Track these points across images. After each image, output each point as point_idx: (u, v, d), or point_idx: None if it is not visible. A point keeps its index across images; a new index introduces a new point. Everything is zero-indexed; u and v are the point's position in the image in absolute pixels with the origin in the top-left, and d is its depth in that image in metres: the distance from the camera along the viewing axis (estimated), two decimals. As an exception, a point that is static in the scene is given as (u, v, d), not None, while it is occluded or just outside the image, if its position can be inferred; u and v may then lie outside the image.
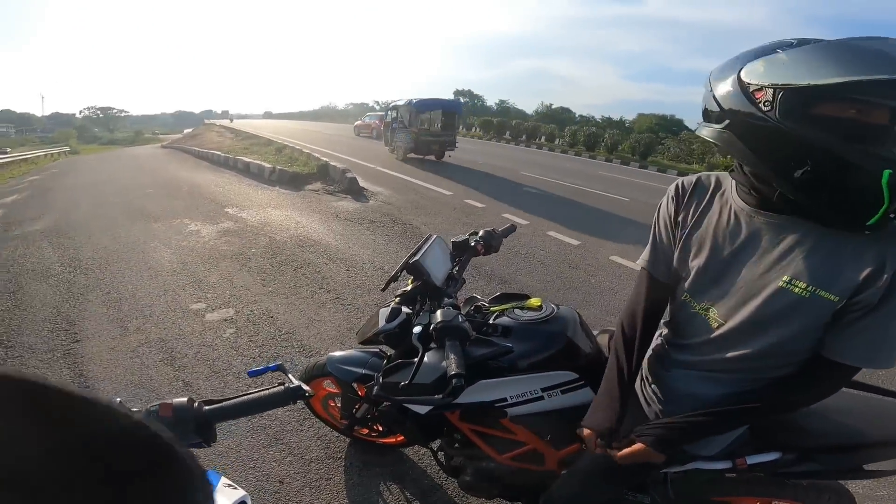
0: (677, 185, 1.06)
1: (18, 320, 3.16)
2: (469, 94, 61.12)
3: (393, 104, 12.83)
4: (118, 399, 0.65)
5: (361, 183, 7.77)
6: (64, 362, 2.65)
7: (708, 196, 1.01)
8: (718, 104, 0.87)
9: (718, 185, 1.00)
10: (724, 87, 0.86)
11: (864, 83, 0.73)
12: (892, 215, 0.76)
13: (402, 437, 1.91)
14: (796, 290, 0.86)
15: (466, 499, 1.82)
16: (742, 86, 0.83)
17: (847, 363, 0.86)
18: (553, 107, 52.94)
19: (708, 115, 0.90)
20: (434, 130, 12.03)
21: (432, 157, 11.89)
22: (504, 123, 29.43)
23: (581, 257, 4.89)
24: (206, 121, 30.54)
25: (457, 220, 6.05)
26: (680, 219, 1.04)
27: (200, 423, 0.72)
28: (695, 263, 0.99)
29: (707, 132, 0.90)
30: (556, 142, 25.24)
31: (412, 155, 11.70)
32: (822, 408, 1.17)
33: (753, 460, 1.14)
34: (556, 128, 27.73)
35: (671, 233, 1.06)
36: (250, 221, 5.72)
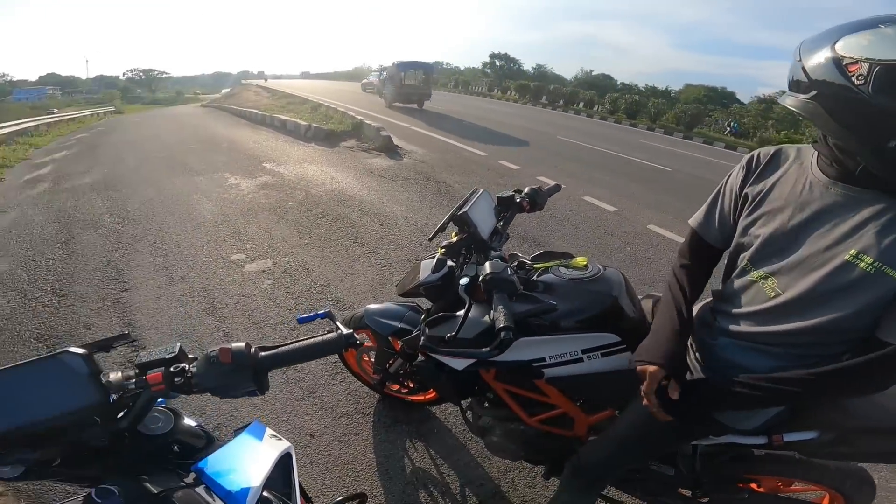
0: (752, 156, 1.06)
1: (71, 269, 3.30)
2: (505, 57, 58.92)
3: (383, 66, 17.47)
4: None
5: (395, 141, 7.73)
6: (114, 311, 2.76)
7: (785, 166, 1.00)
8: (807, 75, 0.85)
9: (798, 156, 1.00)
10: (816, 59, 0.84)
11: None
12: None
13: (431, 395, 1.93)
14: (862, 264, 0.84)
15: (490, 459, 1.84)
16: (835, 58, 0.82)
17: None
18: (593, 73, 50.44)
19: (795, 86, 0.89)
20: (414, 85, 15.25)
21: (415, 105, 15.30)
22: (541, 88, 28.39)
23: (617, 224, 4.75)
24: (243, 81, 30.81)
25: (491, 181, 5.97)
26: (747, 189, 1.03)
27: (256, 370, 0.72)
28: (761, 231, 0.98)
29: (792, 101, 0.89)
30: (596, 108, 24.22)
31: (397, 104, 15.10)
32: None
33: (790, 438, 1.12)
34: (596, 94, 26.56)
35: (734, 202, 1.05)
36: (287, 176, 5.82)
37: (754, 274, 0.99)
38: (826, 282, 0.88)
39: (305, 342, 0.78)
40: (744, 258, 1.02)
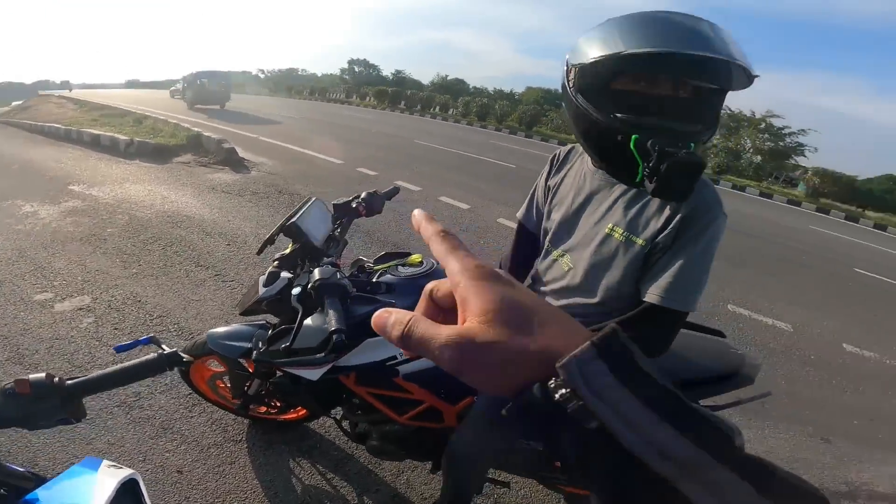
0: (554, 154, 1.20)
1: None
2: (364, 63, 58.78)
3: (184, 76, 19.52)
4: None
5: (241, 153, 7.14)
6: None
7: (573, 160, 1.15)
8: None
9: (584, 151, 1.13)
10: (563, 66, 0.98)
11: (625, 57, 0.83)
12: (647, 175, 0.86)
13: (304, 412, 1.86)
14: (616, 235, 0.99)
15: (381, 464, 1.84)
16: (566, 65, 0.95)
17: (648, 301, 0.94)
18: (448, 78, 52.93)
19: None
20: (212, 89, 17.50)
21: (217, 107, 17.21)
22: (399, 93, 28.98)
23: (471, 220, 5.10)
24: (41, 92, 25.49)
25: (348, 189, 5.87)
26: (550, 182, 1.18)
27: (65, 399, 0.68)
28: (556, 216, 1.13)
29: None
30: (450, 112, 25.55)
31: (198, 106, 17.04)
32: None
33: None
34: (450, 98, 28.03)
35: (543, 193, 1.20)
36: (103, 199, 4.97)
37: (554, 253, 1.14)
38: (597, 253, 1.02)
39: (123, 365, 0.74)
40: (547, 240, 1.16)
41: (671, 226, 0.92)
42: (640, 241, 0.96)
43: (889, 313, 5.20)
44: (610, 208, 1.01)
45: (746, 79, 0.85)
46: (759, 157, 23.21)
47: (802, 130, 23.15)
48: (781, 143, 23.81)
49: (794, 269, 6.26)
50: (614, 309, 1.02)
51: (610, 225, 1.00)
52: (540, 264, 1.20)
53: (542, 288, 1.18)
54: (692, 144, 0.85)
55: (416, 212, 0.35)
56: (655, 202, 0.96)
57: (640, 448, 0.23)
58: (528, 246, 1.27)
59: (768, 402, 2.78)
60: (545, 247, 1.18)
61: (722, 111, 0.94)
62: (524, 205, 1.27)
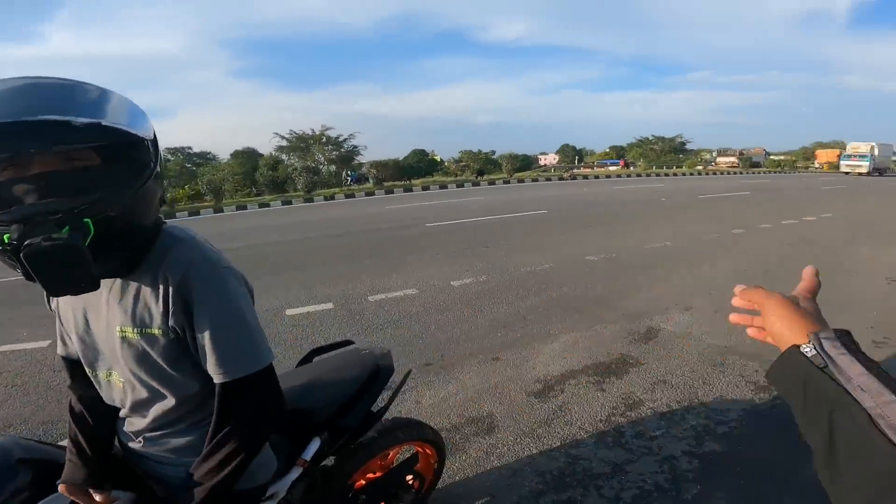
0: None
1: None
2: None
3: None
4: None
5: None
6: None
7: None
8: None
9: None
10: None
11: None
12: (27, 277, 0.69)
13: None
14: (130, 335, 0.87)
15: None
16: None
17: (220, 382, 0.87)
18: None
19: None
20: None
21: None
22: None
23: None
24: None
25: None
26: (53, 307, 1.02)
27: None
28: (75, 339, 0.99)
29: None
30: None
31: None
32: (311, 381, 1.31)
33: (309, 454, 1.21)
34: None
35: (56, 316, 1.03)
36: None
37: (101, 374, 0.98)
38: (129, 360, 0.89)
39: None
40: (85, 364, 1.01)
41: (171, 304, 0.85)
42: (156, 332, 0.87)
43: (458, 247, 7.49)
44: (108, 310, 0.90)
45: (86, 129, 0.70)
46: (333, 167, 27.73)
47: (352, 135, 29.04)
48: (343, 149, 29.12)
49: (393, 244, 8.02)
50: (207, 396, 0.94)
51: (118, 328, 0.88)
52: (101, 392, 1.03)
53: (126, 415, 1.01)
54: (89, 220, 0.70)
55: (737, 288, 0.61)
56: (145, 288, 0.86)
57: (849, 385, 0.41)
58: (86, 376, 1.06)
59: (444, 359, 3.41)
60: (89, 371, 1.01)
61: (156, 161, 0.82)
62: (58, 338, 1.07)
